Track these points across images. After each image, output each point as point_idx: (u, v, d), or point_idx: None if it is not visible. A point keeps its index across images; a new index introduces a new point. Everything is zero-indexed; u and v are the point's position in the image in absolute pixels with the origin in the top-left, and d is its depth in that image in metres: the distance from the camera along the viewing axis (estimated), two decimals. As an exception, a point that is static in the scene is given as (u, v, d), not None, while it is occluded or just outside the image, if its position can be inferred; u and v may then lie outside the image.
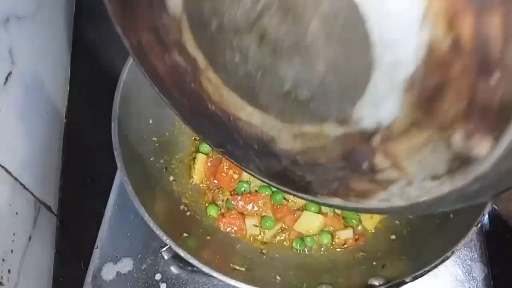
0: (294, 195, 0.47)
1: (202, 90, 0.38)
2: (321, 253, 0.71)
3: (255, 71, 0.33)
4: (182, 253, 0.55)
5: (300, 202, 0.73)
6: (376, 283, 0.54)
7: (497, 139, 0.25)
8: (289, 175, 0.41)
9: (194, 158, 0.78)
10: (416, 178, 0.31)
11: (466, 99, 0.25)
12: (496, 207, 0.72)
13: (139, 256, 0.73)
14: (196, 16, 0.32)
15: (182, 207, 0.71)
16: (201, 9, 0.32)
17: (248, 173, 0.50)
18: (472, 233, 0.55)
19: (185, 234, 0.64)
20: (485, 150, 0.26)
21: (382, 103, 0.28)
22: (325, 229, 0.72)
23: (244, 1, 0.29)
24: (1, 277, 0.69)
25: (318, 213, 0.71)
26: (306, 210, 0.72)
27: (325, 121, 0.33)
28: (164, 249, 0.64)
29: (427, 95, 0.26)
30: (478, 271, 0.70)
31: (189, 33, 0.34)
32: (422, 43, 0.24)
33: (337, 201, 0.40)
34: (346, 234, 0.71)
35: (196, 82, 0.38)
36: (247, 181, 0.75)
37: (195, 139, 0.82)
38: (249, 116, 0.37)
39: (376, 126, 0.30)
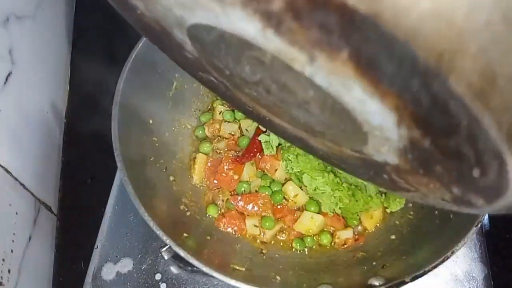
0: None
1: (237, 96, 0.43)
2: (321, 253, 0.71)
3: (273, 104, 0.37)
4: (182, 253, 0.56)
5: (300, 202, 0.73)
6: (376, 283, 0.54)
7: (490, 203, 0.28)
8: (328, 159, 0.47)
9: (194, 158, 0.78)
10: (429, 196, 0.34)
11: (455, 178, 0.27)
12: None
13: (139, 256, 0.73)
14: (211, 62, 0.36)
15: (182, 207, 0.72)
16: (213, 61, 0.35)
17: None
18: (472, 233, 0.55)
19: (185, 234, 0.64)
20: (480, 204, 0.28)
21: (383, 154, 0.31)
22: (325, 229, 0.72)
23: (244, 69, 0.32)
24: (1, 277, 0.69)
25: (318, 213, 0.71)
26: (306, 210, 0.72)
27: (341, 146, 0.37)
28: (164, 249, 0.64)
29: (419, 164, 0.29)
30: (478, 271, 0.70)
31: (211, 69, 0.39)
32: (403, 137, 0.26)
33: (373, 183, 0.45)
34: (346, 234, 0.71)
35: (231, 93, 0.43)
36: (247, 181, 0.75)
37: (195, 138, 0.82)
38: (280, 122, 0.42)
39: (384, 162, 0.33)
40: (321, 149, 0.42)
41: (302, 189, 0.73)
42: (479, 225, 0.56)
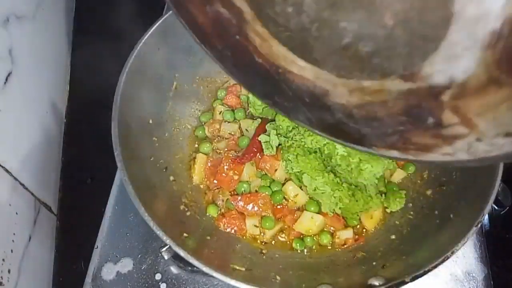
0: (346, 146, 0.44)
1: (248, 42, 0.36)
2: (321, 253, 0.71)
3: (310, 24, 0.30)
4: (182, 253, 0.56)
5: (300, 202, 0.73)
6: (376, 283, 0.54)
7: None
8: (342, 128, 0.39)
9: (194, 158, 0.78)
10: (487, 134, 0.29)
11: None
12: (496, 207, 0.72)
13: (139, 256, 0.73)
14: None
15: (182, 207, 0.72)
16: None
17: (297, 123, 0.47)
18: (472, 233, 0.55)
19: (185, 234, 0.64)
20: None
21: (458, 59, 0.26)
22: (325, 229, 0.72)
23: None
24: (1, 277, 0.69)
25: (318, 213, 0.71)
26: (306, 210, 0.72)
27: (388, 77, 0.30)
28: (164, 249, 0.64)
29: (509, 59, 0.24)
30: (478, 271, 0.70)
31: None
32: None
33: (394, 153, 0.37)
34: (346, 234, 0.71)
35: (241, 34, 0.36)
36: (247, 182, 0.75)
37: (195, 138, 0.82)
38: (301, 69, 0.35)
39: (448, 82, 0.27)
40: (344, 105, 0.34)
41: (302, 189, 0.73)
42: (479, 225, 0.56)
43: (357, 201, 0.69)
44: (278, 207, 0.73)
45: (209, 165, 0.77)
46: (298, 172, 0.71)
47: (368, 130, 0.37)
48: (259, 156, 0.76)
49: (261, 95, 0.48)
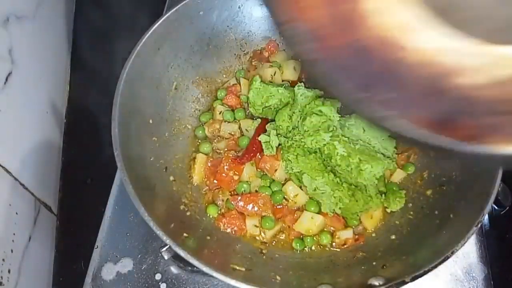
0: (442, 148, 0.33)
1: (356, 12, 0.30)
2: (321, 253, 0.71)
3: None
4: (182, 253, 0.56)
5: (300, 202, 0.73)
6: (376, 283, 0.54)
7: None
8: (454, 120, 0.32)
9: (194, 158, 0.78)
10: None
11: None
12: (496, 207, 0.72)
13: (139, 256, 0.73)
14: None
15: (182, 207, 0.72)
16: None
17: (387, 128, 0.35)
18: (472, 233, 0.55)
19: (185, 234, 0.64)
20: None
21: None
22: (325, 229, 0.72)
23: None
24: (1, 277, 0.69)
25: (318, 213, 0.71)
26: (306, 210, 0.72)
27: None
28: (164, 249, 0.64)
29: None
30: (478, 271, 0.70)
31: None
32: None
33: None
34: (346, 234, 0.71)
35: (351, 2, 0.30)
36: (247, 181, 0.75)
37: (195, 138, 0.82)
38: (426, 41, 0.29)
39: None
40: (471, 86, 0.28)
41: (302, 189, 0.73)
42: (479, 225, 0.56)
43: (357, 201, 0.69)
44: (278, 207, 0.73)
45: (209, 165, 0.77)
46: (298, 172, 0.71)
47: (489, 120, 0.30)
48: (259, 156, 0.76)
49: (353, 88, 0.36)
